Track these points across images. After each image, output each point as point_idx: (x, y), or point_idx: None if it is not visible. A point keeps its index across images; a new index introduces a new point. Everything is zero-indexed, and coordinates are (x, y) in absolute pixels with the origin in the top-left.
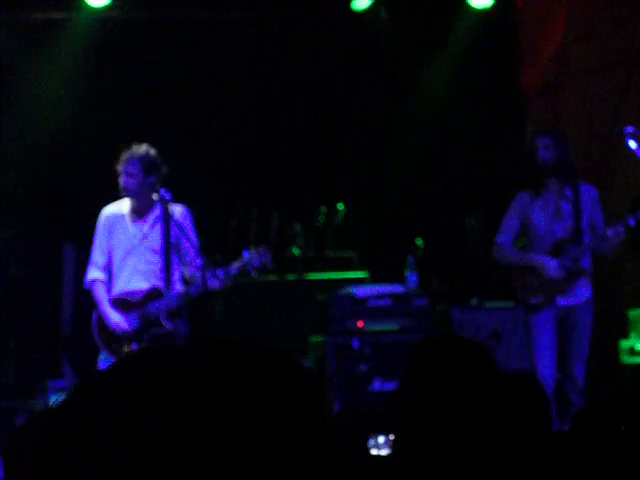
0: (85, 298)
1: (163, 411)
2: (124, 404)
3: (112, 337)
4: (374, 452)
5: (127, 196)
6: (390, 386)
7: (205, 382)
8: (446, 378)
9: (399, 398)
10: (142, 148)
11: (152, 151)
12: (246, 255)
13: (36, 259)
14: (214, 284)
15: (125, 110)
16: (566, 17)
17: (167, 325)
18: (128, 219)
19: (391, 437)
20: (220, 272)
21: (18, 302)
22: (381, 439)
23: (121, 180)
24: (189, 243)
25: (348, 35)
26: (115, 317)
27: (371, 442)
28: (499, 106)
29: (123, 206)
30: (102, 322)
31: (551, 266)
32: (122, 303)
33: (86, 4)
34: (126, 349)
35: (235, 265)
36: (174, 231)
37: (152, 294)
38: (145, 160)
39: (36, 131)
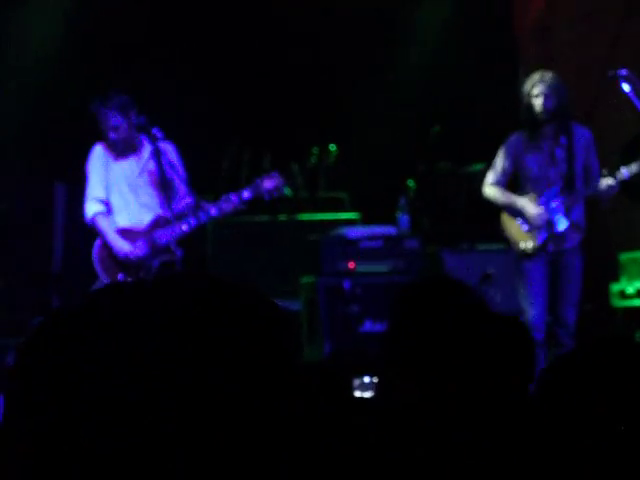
0: (76, 235)
1: (129, 343)
2: (93, 333)
3: (118, 266)
4: (358, 393)
5: (121, 147)
6: (381, 327)
7: (174, 315)
8: (434, 319)
9: (387, 340)
10: (111, 95)
11: (117, 91)
12: (257, 180)
13: (27, 197)
14: (226, 207)
15: (115, 49)
16: None
17: (177, 252)
18: (122, 153)
19: (375, 380)
20: (233, 196)
21: (8, 239)
22: (366, 380)
23: (108, 136)
24: (180, 180)
25: None
26: (125, 245)
27: (356, 383)
28: (492, 50)
29: (115, 143)
30: (106, 252)
31: (534, 213)
32: (127, 233)
33: None
34: (134, 277)
35: (248, 190)
36: (166, 168)
37: (158, 222)
38: (121, 105)
39: (27, 69)
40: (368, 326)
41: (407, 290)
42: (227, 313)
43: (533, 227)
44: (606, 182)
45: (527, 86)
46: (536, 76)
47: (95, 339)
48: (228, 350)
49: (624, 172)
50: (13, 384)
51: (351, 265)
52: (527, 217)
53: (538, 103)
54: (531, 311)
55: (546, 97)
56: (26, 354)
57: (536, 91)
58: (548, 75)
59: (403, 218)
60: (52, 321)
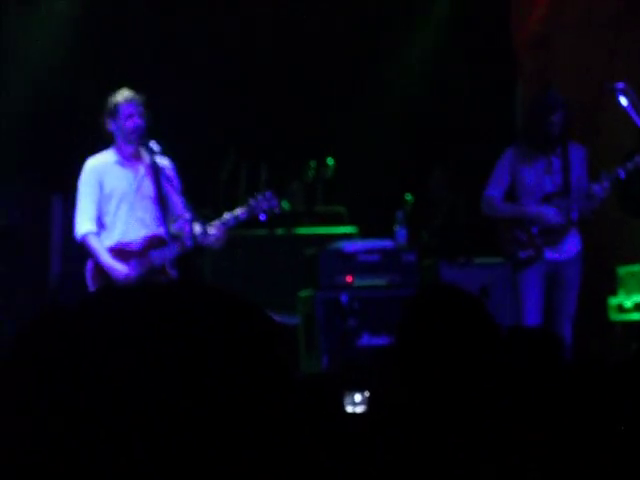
0: (73, 250)
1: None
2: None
3: None
4: (349, 409)
5: (132, 139)
6: (378, 341)
7: (167, 321)
8: (442, 327)
9: (392, 350)
10: (133, 90)
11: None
12: (252, 201)
13: (24, 210)
14: (215, 233)
15: (116, 57)
16: None
17: (172, 273)
18: (118, 168)
19: (366, 394)
20: (229, 217)
21: (5, 253)
22: (357, 397)
23: (127, 123)
24: (178, 196)
25: None
26: (118, 265)
27: (347, 399)
28: (490, 60)
29: (108, 157)
30: (99, 272)
31: (550, 213)
32: (120, 253)
33: None
34: None
35: (242, 210)
36: (163, 183)
37: (153, 242)
38: (143, 101)
39: (25, 82)
40: (366, 340)
41: (414, 299)
42: (221, 322)
43: (552, 224)
44: (599, 185)
45: (544, 102)
46: (552, 103)
47: (86, 341)
48: (220, 358)
49: (620, 171)
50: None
51: (348, 279)
52: (543, 217)
53: (555, 120)
54: (526, 321)
55: (557, 125)
56: (18, 350)
57: (551, 119)
58: (561, 97)
59: (400, 232)
60: (43, 322)
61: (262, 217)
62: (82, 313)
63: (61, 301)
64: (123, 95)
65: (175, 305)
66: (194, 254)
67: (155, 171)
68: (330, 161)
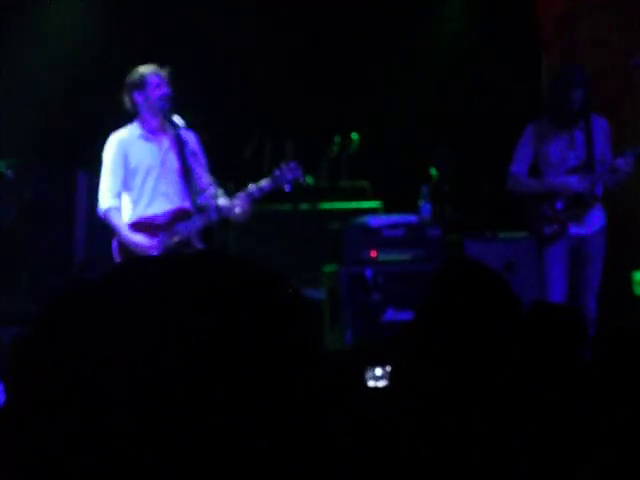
0: (98, 224)
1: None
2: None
3: None
4: (371, 384)
5: (161, 108)
6: (403, 316)
7: (199, 293)
8: (464, 302)
9: (414, 324)
10: (164, 65)
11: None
12: (277, 171)
13: (49, 185)
14: (240, 205)
15: (139, 34)
16: None
17: (199, 246)
18: (142, 142)
19: (387, 369)
20: (254, 188)
21: (31, 228)
22: (378, 371)
23: (155, 92)
24: (202, 169)
25: None
26: (142, 240)
27: (369, 374)
28: (515, 38)
29: (133, 131)
30: (125, 248)
31: (574, 181)
32: (146, 226)
33: None
34: None
35: (267, 181)
36: (188, 157)
37: (178, 215)
38: (172, 77)
39: (53, 58)
40: (390, 314)
41: (436, 274)
42: (250, 292)
43: (576, 192)
44: (623, 158)
45: (564, 78)
46: (571, 78)
47: (113, 315)
48: (250, 329)
49: None
50: (21, 359)
51: (373, 254)
52: (567, 186)
53: (576, 96)
54: (551, 296)
55: (578, 101)
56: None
57: (571, 94)
58: (582, 67)
59: (425, 206)
60: (69, 297)
61: (287, 187)
62: (107, 287)
63: (87, 277)
64: (150, 67)
65: (203, 275)
66: (218, 229)
67: (179, 144)
68: (354, 136)
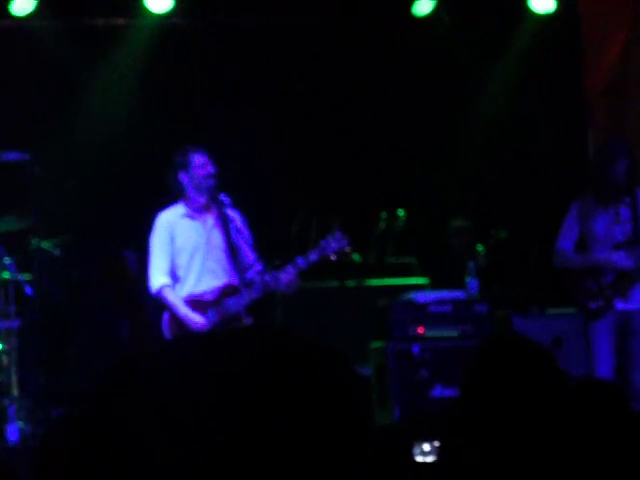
0: (147, 303)
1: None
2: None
3: None
4: (419, 459)
5: (206, 187)
6: (451, 392)
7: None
8: (508, 378)
9: (458, 402)
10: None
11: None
12: (323, 242)
13: (97, 264)
14: (287, 277)
15: (185, 116)
16: (629, 20)
17: (248, 321)
18: (187, 221)
19: (435, 444)
20: (300, 260)
21: (79, 307)
22: (426, 447)
23: (200, 172)
24: (248, 247)
25: (410, 40)
26: (196, 317)
27: (417, 450)
28: (560, 111)
29: (178, 210)
30: (176, 323)
31: (620, 257)
32: (195, 304)
33: (148, 10)
34: None
35: (313, 252)
36: (233, 234)
37: (227, 291)
38: (213, 158)
39: (98, 136)
40: (438, 391)
41: (481, 350)
42: (304, 369)
43: (622, 268)
44: None
45: (608, 150)
46: (616, 151)
47: (166, 389)
48: (302, 409)
49: None
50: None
51: (420, 330)
52: (613, 262)
53: (620, 168)
54: (598, 372)
55: (626, 162)
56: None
57: (616, 166)
58: (626, 140)
59: (472, 282)
60: (121, 372)
61: (333, 257)
62: (161, 361)
63: (136, 353)
64: (194, 147)
65: (257, 351)
66: (265, 304)
67: (224, 222)
68: (400, 212)
